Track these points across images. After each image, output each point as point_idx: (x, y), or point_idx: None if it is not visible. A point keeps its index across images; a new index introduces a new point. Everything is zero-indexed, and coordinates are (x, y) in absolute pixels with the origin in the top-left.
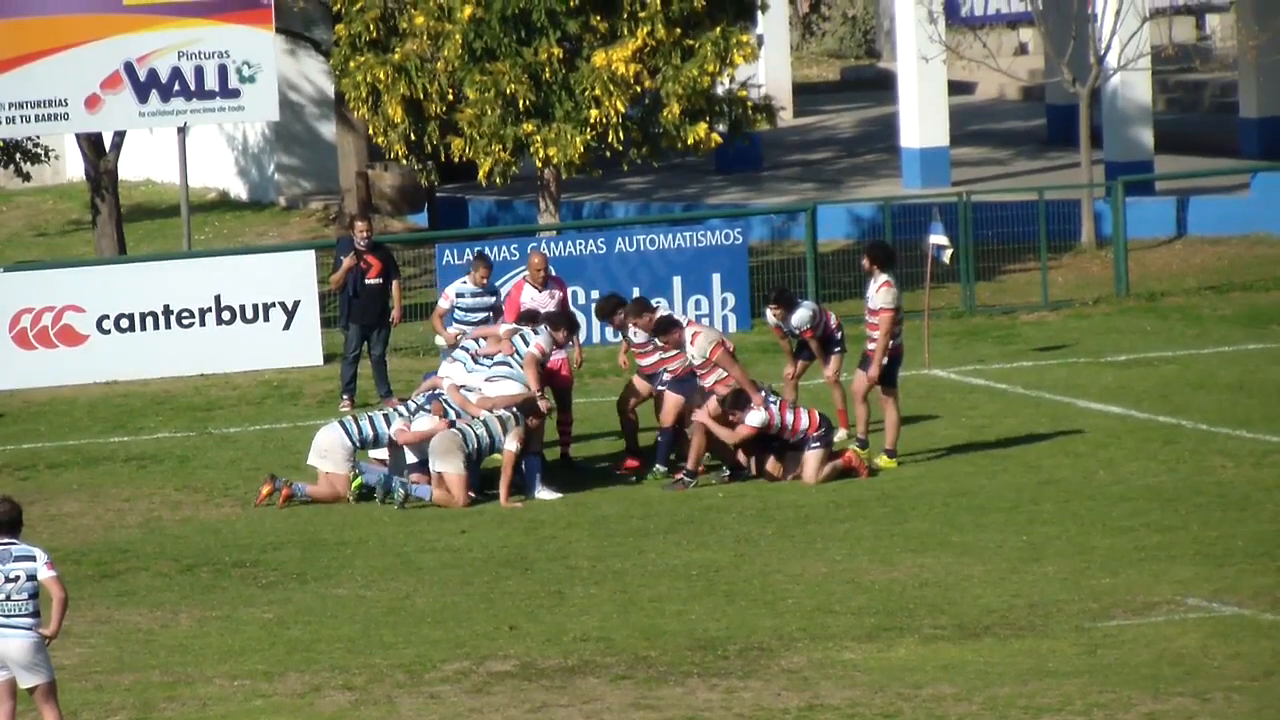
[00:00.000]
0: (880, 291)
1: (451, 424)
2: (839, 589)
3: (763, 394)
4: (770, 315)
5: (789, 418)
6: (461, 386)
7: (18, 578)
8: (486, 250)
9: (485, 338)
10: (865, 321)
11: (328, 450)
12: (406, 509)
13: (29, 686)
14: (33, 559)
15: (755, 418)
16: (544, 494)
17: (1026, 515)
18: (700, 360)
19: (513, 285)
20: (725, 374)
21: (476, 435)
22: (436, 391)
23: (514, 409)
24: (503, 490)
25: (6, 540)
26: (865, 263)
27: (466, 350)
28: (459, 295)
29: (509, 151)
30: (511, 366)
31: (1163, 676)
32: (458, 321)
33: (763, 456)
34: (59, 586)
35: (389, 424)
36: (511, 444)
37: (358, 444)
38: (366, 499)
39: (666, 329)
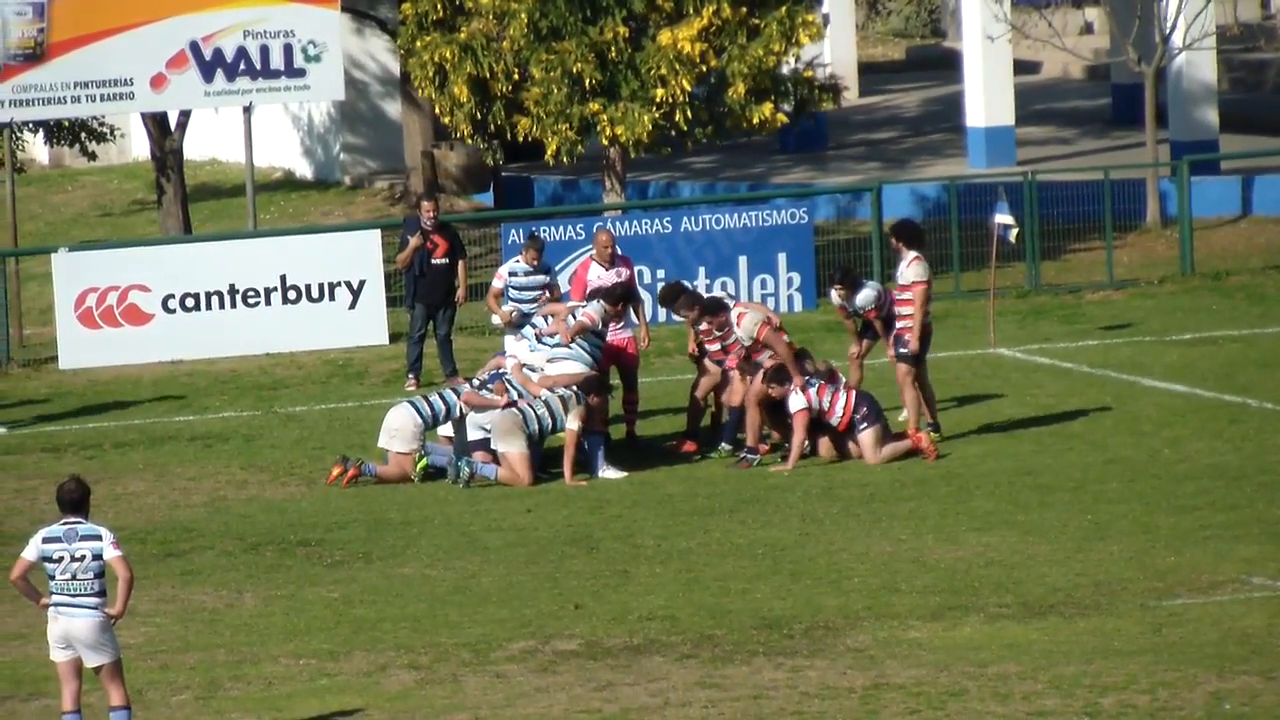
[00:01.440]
0: (911, 266)
1: (512, 403)
2: (904, 568)
3: (805, 376)
4: (834, 295)
5: (826, 401)
6: (525, 365)
7: (84, 557)
8: (538, 230)
9: (551, 315)
10: (895, 299)
11: (398, 430)
12: (471, 487)
13: (95, 666)
14: (99, 538)
15: (795, 402)
16: (608, 473)
17: (1091, 494)
18: (749, 340)
19: (579, 264)
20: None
21: (537, 415)
22: (500, 371)
23: (575, 388)
24: (567, 469)
25: (73, 519)
26: (893, 242)
27: (535, 328)
28: (511, 274)
29: (575, 130)
30: (572, 346)
31: (1228, 655)
32: (512, 300)
33: (816, 439)
34: (125, 566)
35: (457, 397)
36: (573, 423)
37: (429, 422)
38: (433, 479)
39: (714, 311)
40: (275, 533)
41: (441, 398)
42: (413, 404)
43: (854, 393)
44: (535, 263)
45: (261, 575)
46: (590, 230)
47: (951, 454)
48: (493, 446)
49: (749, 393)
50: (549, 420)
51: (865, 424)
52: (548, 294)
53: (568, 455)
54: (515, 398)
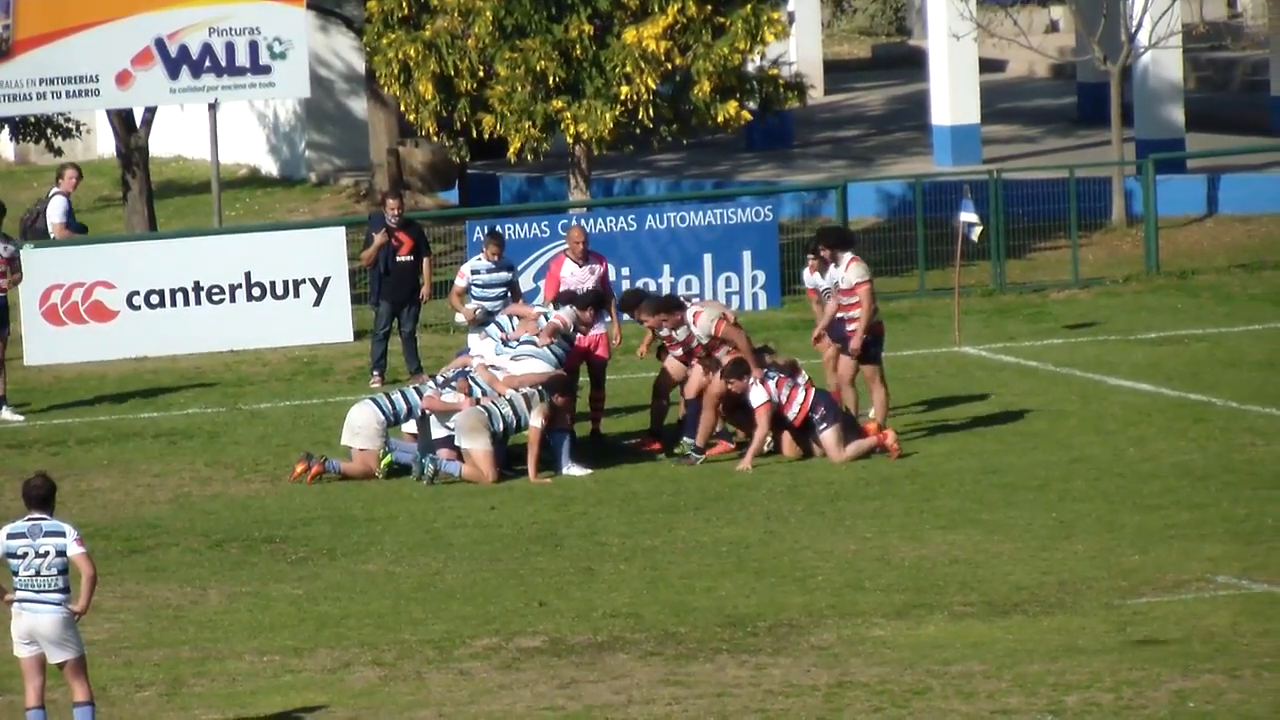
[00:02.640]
0: (850, 268)
1: (476, 402)
2: (868, 566)
3: (764, 369)
4: (809, 271)
5: (784, 394)
6: (491, 366)
7: (48, 553)
8: (499, 226)
9: (519, 317)
10: (839, 304)
11: (361, 428)
12: (436, 485)
13: (59, 661)
14: (62, 535)
15: (756, 396)
16: (573, 470)
17: (1056, 493)
18: (707, 338)
19: (553, 261)
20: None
21: (502, 414)
22: (465, 370)
23: (539, 387)
24: (531, 466)
25: (38, 515)
26: (823, 252)
27: (501, 328)
28: (474, 272)
29: (539, 128)
30: (537, 345)
31: (1193, 654)
32: (475, 298)
33: (778, 436)
34: (88, 563)
35: (420, 396)
36: (536, 420)
37: (390, 419)
38: (398, 475)
39: (669, 309)
40: (240, 529)
41: (404, 396)
42: (375, 401)
43: (813, 391)
44: (497, 259)
45: (226, 572)
46: (556, 228)
47: (916, 452)
48: (457, 443)
49: (707, 392)
50: (513, 418)
51: (824, 424)
52: (510, 293)
53: (532, 453)
54: (479, 395)
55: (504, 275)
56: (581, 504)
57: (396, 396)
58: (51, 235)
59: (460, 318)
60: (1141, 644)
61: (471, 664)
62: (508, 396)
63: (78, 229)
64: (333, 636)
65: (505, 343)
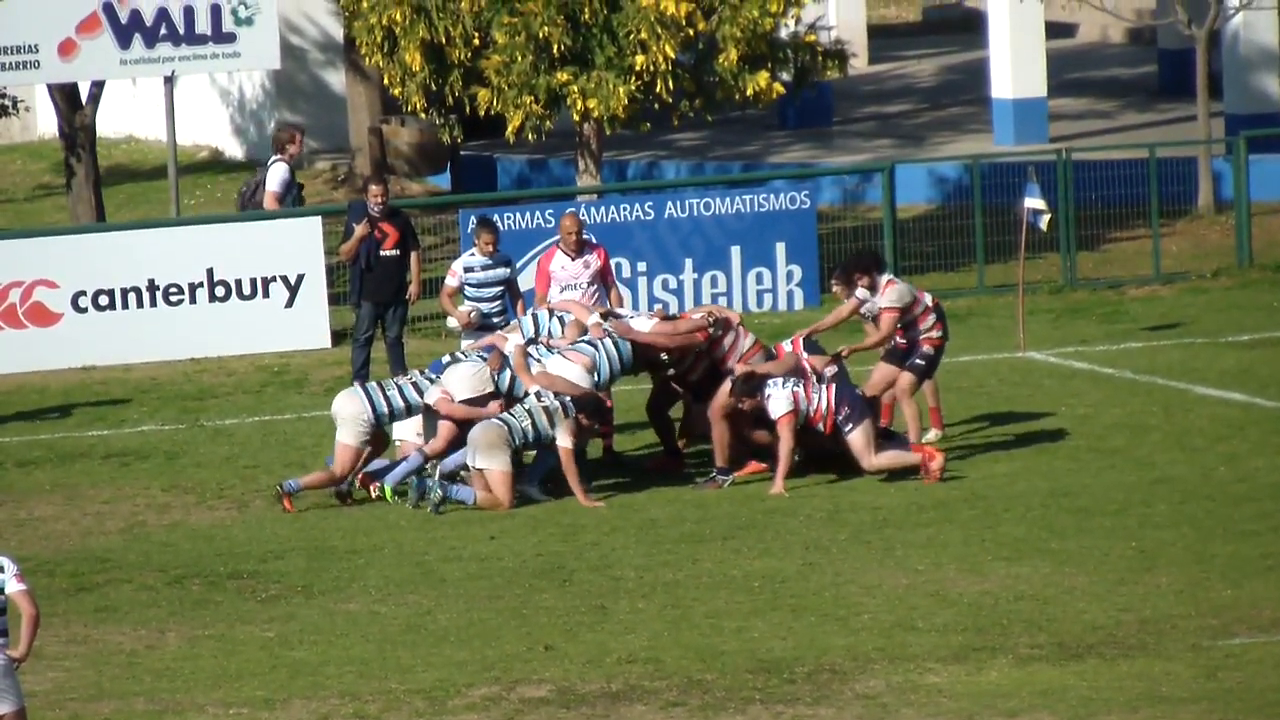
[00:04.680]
0: (886, 292)
1: (497, 398)
2: (922, 603)
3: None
4: (860, 290)
5: (814, 405)
6: (529, 352)
7: None
8: (490, 215)
9: (566, 314)
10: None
11: (347, 418)
12: (443, 512)
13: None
14: (0, 570)
15: (776, 405)
16: (533, 492)
17: (1136, 518)
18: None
19: (541, 256)
20: (747, 350)
21: (522, 428)
22: (489, 349)
23: (566, 399)
24: (576, 489)
25: None
26: (860, 281)
27: (538, 321)
28: (467, 270)
29: (542, 104)
30: (598, 350)
31: None
32: (470, 299)
33: (811, 448)
34: (30, 602)
35: (420, 393)
36: (564, 440)
37: (381, 420)
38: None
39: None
40: (202, 563)
41: (400, 392)
42: (367, 392)
43: (832, 388)
44: (490, 250)
45: (186, 612)
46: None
47: (976, 473)
48: (471, 463)
49: (713, 406)
50: (533, 434)
51: (850, 424)
52: (508, 292)
53: (570, 475)
54: (503, 387)
55: (502, 272)
56: (593, 533)
57: (394, 394)
58: (265, 206)
59: (452, 321)
60: (1234, 691)
61: (468, 716)
62: (527, 406)
63: (297, 201)
64: (309, 686)
65: (548, 346)
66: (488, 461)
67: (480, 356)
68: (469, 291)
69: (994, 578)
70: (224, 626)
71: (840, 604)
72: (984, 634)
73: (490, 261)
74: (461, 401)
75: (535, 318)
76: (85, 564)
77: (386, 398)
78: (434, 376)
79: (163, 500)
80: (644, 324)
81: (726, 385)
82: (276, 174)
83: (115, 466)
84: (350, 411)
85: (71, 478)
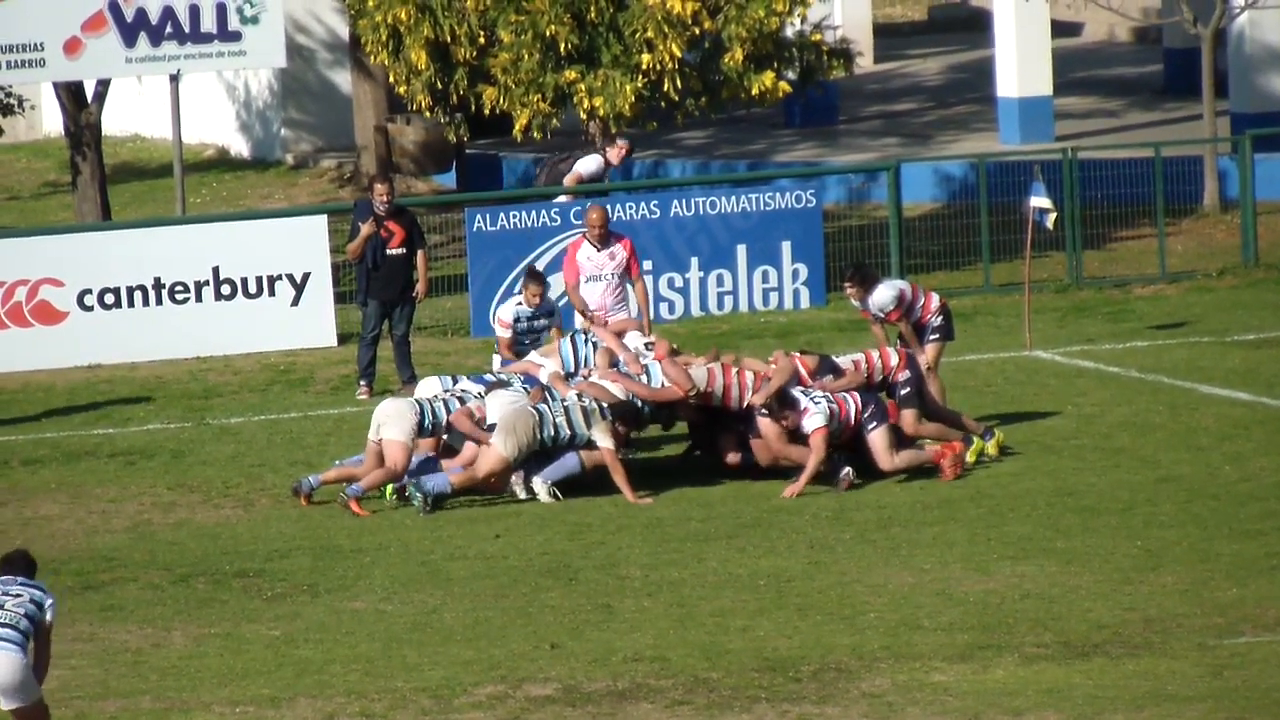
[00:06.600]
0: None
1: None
2: (927, 601)
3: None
4: (850, 296)
5: (848, 408)
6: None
7: (20, 595)
8: (539, 269)
9: (604, 343)
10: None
11: (392, 416)
12: (435, 513)
13: (12, 708)
14: (43, 591)
15: (811, 420)
16: (541, 490)
17: (1142, 517)
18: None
19: (569, 243)
20: (751, 383)
21: (555, 422)
22: (532, 378)
23: (604, 403)
24: (624, 487)
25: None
26: (849, 289)
27: (575, 348)
28: (516, 320)
29: (548, 102)
30: (651, 375)
31: None
32: (517, 348)
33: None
34: (48, 643)
35: (448, 411)
36: (604, 440)
37: (425, 429)
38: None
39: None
40: (208, 562)
41: (446, 406)
42: (418, 401)
43: (855, 394)
44: (537, 302)
45: (192, 611)
46: (568, 216)
47: (981, 472)
48: (489, 431)
49: (768, 440)
50: (565, 431)
51: (873, 423)
52: (554, 331)
53: (617, 474)
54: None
55: (544, 321)
56: (599, 532)
57: (439, 405)
58: (563, 182)
59: (505, 374)
60: (1239, 689)
61: (473, 715)
62: (565, 403)
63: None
64: (314, 684)
65: (584, 374)
66: (501, 440)
67: (525, 387)
68: (518, 342)
69: (999, 576)
70: (230, 625)
71: (846, 603)
72: (989, 633)
73: (535, 312)
74: (487, 426)
75: (574, 343)
76: (91, 562)
77: (434, 410)
78: (481, 391)
79: (168, 499)
80: (630, 370)
81: (762, 421)
82: (591, 162)
83: (121, 465)
84: (395, 409)
85: (77, 476)
